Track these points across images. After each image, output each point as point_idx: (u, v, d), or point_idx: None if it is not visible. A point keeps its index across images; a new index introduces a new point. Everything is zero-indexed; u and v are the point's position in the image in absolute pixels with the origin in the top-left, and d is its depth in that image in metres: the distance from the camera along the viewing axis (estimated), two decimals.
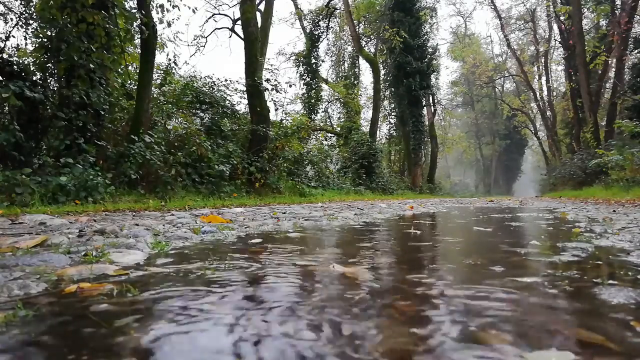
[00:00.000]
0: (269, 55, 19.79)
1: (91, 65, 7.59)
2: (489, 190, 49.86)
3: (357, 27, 26.33)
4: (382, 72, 27.67)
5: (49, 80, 7.85)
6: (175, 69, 13.75)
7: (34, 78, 7.60)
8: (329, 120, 29.94)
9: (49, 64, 7.72)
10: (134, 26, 9.00)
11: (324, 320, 0.94)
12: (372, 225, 3.78)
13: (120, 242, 2.14)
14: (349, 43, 29.30)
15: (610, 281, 1.31)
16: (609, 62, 22.02)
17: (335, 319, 0.96)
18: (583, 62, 20.25)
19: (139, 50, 9.99)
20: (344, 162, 21.97)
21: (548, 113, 34.36)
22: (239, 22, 16.83)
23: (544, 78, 35.84)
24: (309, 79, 26.43)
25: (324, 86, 28.64)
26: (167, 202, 7.31)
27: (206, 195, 9.12)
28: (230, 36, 24.31)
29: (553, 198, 17.39)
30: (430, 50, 28.47)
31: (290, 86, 20.95)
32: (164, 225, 3.29)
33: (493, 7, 34.82)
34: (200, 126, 12.04)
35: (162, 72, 13.44)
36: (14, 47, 8.59)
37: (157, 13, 9.39)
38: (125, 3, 8.80)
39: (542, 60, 35.01)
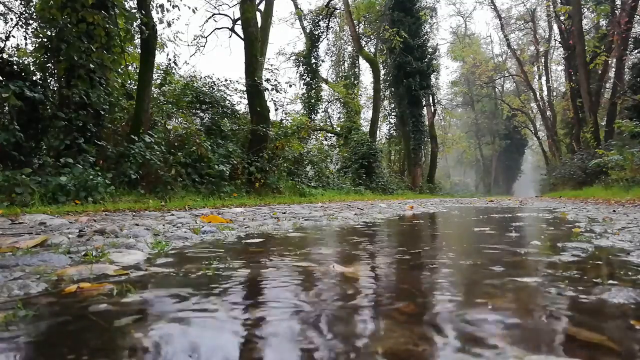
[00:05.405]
0: (269, 55, 19.86)
1: (91, 65, 7.59)
2: (489, 190, 49.84)
3: (357, 27, 26.32)
4: (382, 72, 27.66)
5: (49, 80, 7.85)
6: (175, 69, 13.75)
7: (34, 78, 7.59)
8: (329, 120, 29.93)
9: (49, 64, 7.71)
10: (134, 26, 9.00)
11: (322, 320, 0.94)
12: (372, 225, 3.78)
13: (120, 242, 2.14)
14: (349, 43, 29.32)
15: (611, 281, 1.31)
16: (609, 62, 22.02)
17: (334, 319, 0.96)
18: (583, 62, 20.24)
19: (139, 50, 10.00)
20: (344, 162, 21.95)
21: (548, 113, 34.37)
22: (239, 22, 16.83)
23: (544, 78, 35.90)
24: (309, 79, 26.44)
25: (324, 86, 28.65)
26: (167, 202, 7.30)
27: (206, 195, 9.12)
28: (230, 36, 24.33)
29: (553, 198, 17.38)
30: (430, 50, 28.47)
31: (290, 86, 21.00)
32: (164, 225, 3.28)
33: (493, 7, 34.86)
34: (200, 126, 12.05)
35: (162, 72, 13.44)
36: (14, 47, 8.60)
37: (157, 13, 9.41)
38: (125, 3, 8.80)
39: (542, 60, 35.02)
